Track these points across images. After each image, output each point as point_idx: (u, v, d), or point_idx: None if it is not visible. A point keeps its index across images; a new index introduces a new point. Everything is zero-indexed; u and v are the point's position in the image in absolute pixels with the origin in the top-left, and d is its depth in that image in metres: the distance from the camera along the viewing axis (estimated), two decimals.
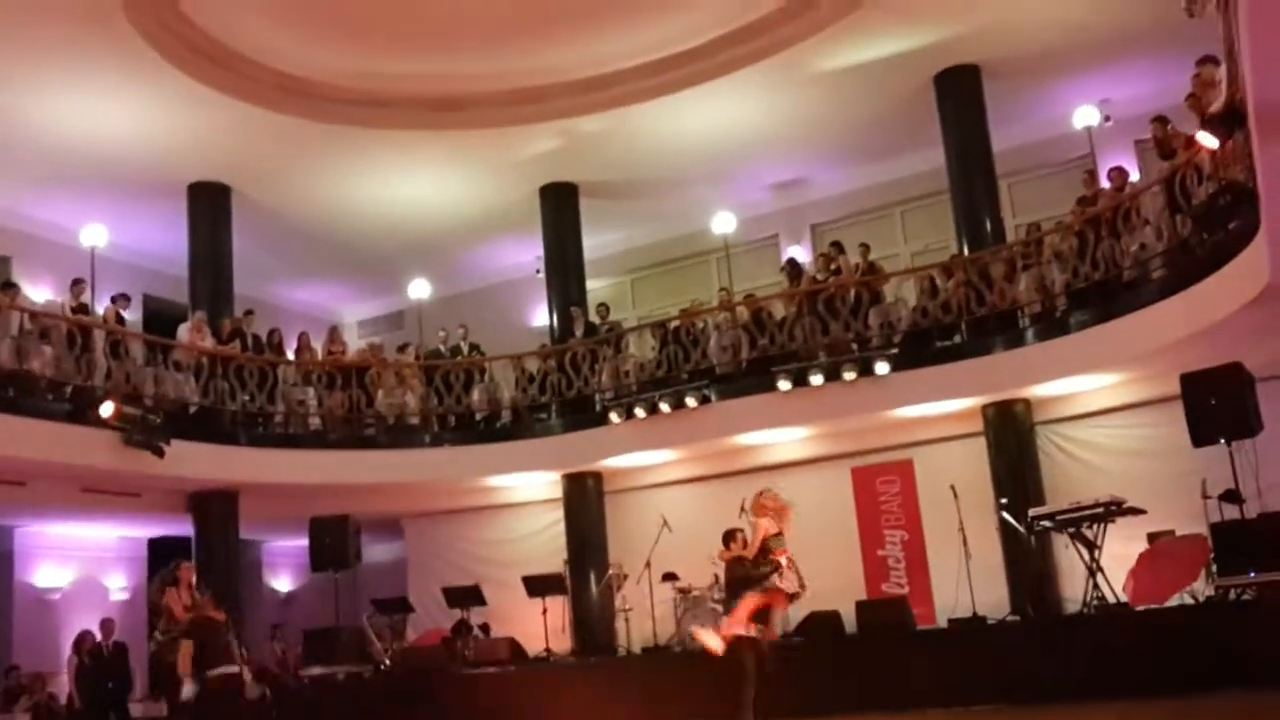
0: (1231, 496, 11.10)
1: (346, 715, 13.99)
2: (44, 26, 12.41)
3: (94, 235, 14.93)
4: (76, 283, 14.55)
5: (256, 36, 13.65)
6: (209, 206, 16.47)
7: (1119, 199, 13.07)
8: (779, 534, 9.05)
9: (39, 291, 15.63)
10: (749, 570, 8.97)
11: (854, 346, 14.53)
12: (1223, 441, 11.02)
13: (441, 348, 17.58)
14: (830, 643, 12.56)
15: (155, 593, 11.38)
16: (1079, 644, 11.13)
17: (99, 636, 14.25)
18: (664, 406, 15.01)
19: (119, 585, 17.62)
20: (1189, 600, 11.46)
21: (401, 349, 17.58)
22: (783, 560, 8.95)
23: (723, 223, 16.51)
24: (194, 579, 11.04)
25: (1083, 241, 13.25)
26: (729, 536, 9.44)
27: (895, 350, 14.25)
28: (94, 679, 13.90)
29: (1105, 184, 13.89)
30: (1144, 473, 12.96)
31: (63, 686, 14.14)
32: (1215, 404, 10.97)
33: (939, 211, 15.98)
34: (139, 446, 13.52)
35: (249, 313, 16.41)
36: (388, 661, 15.28)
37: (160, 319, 16.50)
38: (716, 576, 13.88)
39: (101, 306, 15.09)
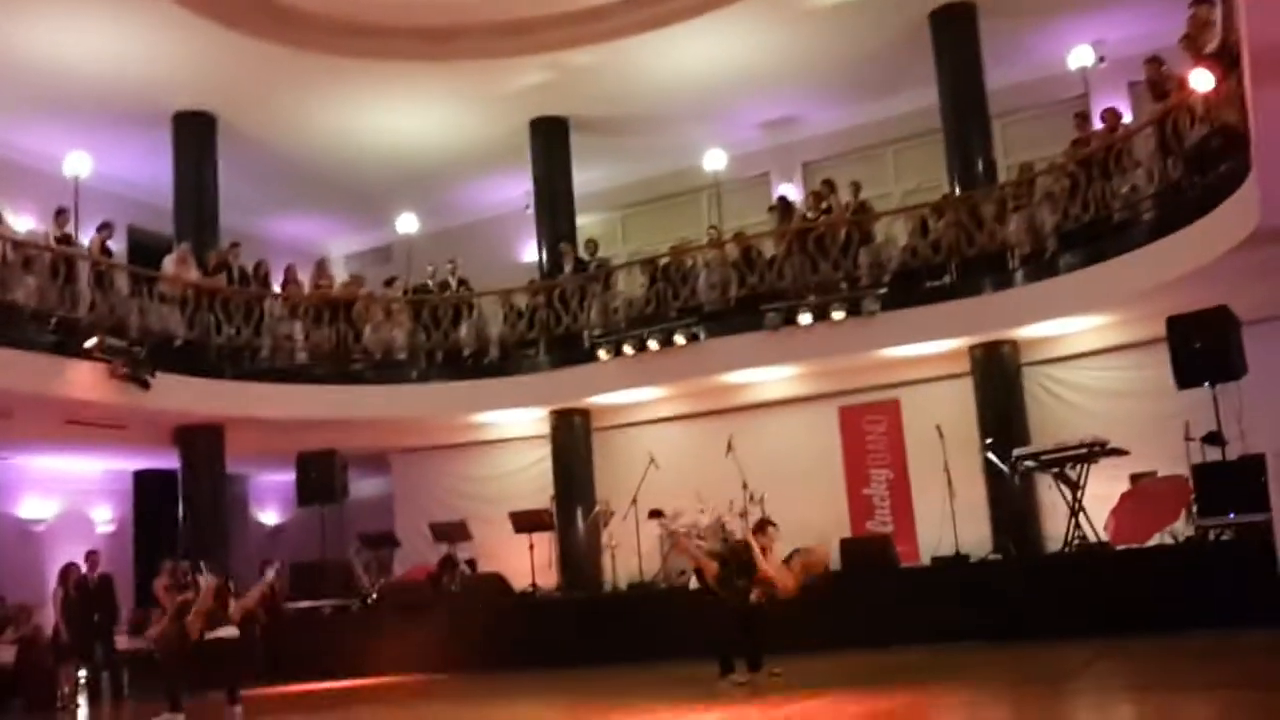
0: (1214, 439, 11.18)
1: (333, 647, 14.11)
2: None
3: (77, 164, 14.74)
4: (60, 212, 14.38)
5: None
6: (194, 136, 16.29)
7: (1111, 140, 13.00)
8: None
9: (21, 221, 15.43)
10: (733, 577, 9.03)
11: (843, 286, 14.51)
12: (1207, 384, 11.07)
13: (429, 283, 17.49)
14: (814, 579, 12.64)
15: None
16: (1060, 582, 11.26)
17: (84, 569, 14.27)
18: (652, 344, 15.00)
19: (105, 518, 17.66)
20: (1169, 540, 11.59)
21: (389, 283, 17.49)
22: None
23: (714, 159, 16.39)
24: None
25: (1074, 183, 13.19)
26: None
27: (884, 290, 14.23)
28: (80, 611, 13.93)
29: (1098, 125, 13.81)
30: (1128, 414, 13.03)
31: (48, 618, 14.18)
32: (1200, 347, 11.03)
33: (931, 150, 15.86)
34: (124, 379, 13.47)
35: (235, 245, 16.27)
36: (374, 595, 15.39)
37: (145, 251, 16.36)
38: (702, 514, 13.99)
39: (85, 237, 14.94)
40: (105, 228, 15.09)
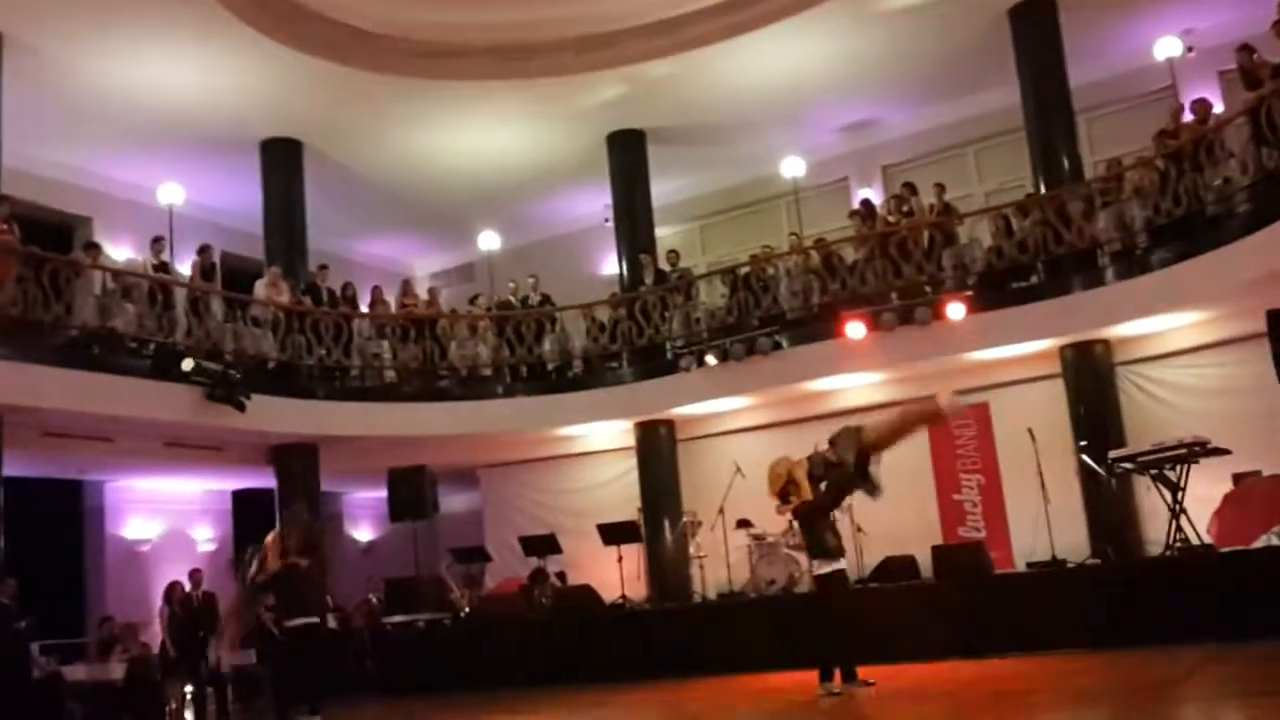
0: None
1: (428, 661, 14.29)
2: None
3: (171, 194, 15.18)
4: (156, 240, 14.82)
5: None
6: (281, 162, 16.68)
7: (1201, 131, 12.68)
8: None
9: (119, 250, 15.96)
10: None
11: (927, 289, 14.33)
12: None
13: (512, 299, 17.67)
14: (907, 588, 12.51)
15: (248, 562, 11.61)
16: (1162, 587, 10.97)
17: (188, 586, 14.63)
18: (735, 353, 14.96)
19: (206, 536, 18.10)
20: (1276, 541, 11.23)
21: (472, 301, 17.69)
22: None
23: (792, 166, 16.32)
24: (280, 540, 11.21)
25: (1164, 176, 12.88)
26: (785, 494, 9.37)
27: (970, 292, 14.03)
28: (185, 628, 14.30)
29: (1188, 116, 13.48)
30: (1228, 412, 12.66)
31: (154, 636, 14.57)
32: None
33: (1014, 149, 15.62)
34: (220, 401, 13.81)
35: (323, 267, 16.61)
36: (467, 609, 15.56)
37: (237, 275, 16.77)
38: (791, 524, 13.92)
39: (180, 263, 15.36)
40: (205, 251, 15.50)
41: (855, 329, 14.19)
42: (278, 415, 14.69)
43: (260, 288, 15.68)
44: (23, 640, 12.36)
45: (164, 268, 14.80)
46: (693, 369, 15.31)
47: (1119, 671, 8.83)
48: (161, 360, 13.66)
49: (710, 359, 15.14)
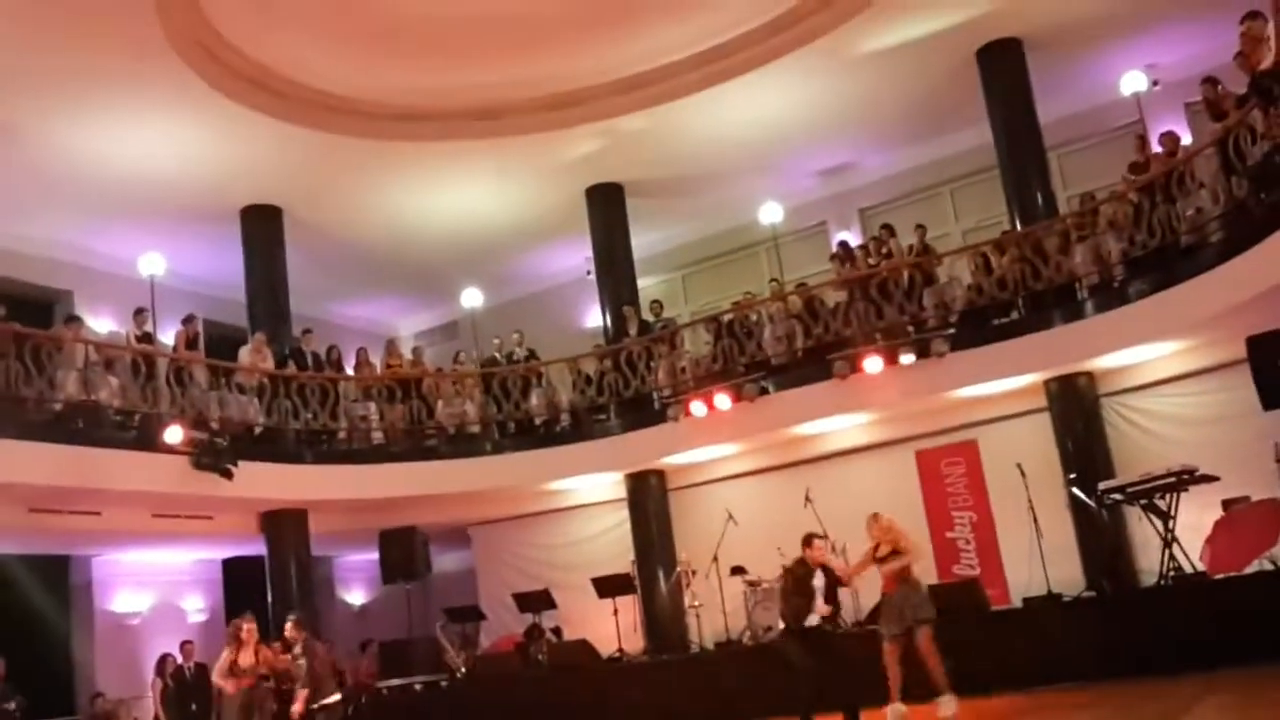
0: None
1: None
2: (90, 60, 12.64)
3: (151, 264, 15.18)
4: (139, 312, 14.80)
5: (297, 58, 13.84)
6: (262, 229, 16.71)
7: (1172, 163, 12.85)
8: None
9: (101, 323, 15.94)
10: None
11: (910, 329, 14.42)
12: None
13: (497, 355, 17.68)
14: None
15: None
16: (1159, 616, 10.97)
17: (180, 659, 14.49)
18: (722, 401, 14.99)
19: (196, 607, 17.93)
20: (1268, 566, 11.25)
21: (456, 359, 17.70)
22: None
23: (770, 213, 16.44)
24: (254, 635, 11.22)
25: (1138, 209, 13.04)
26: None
27: (952, 330, 14.11)
28: (179, 701, 14.15)
29: (1157, 149, 13.67)
30: (1214, 439, 12.71)
31: (147, 710, 14.40)
32: None
33: (989, 188, 15.82)
34: (208, 469, 13.74)
35: (307, 331, 16.61)
36: (463, 669, 15.42)
37: (221, 342, 16.75)
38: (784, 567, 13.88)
39: (162, 334, 15.34)
40: (189, 320, 15.49)
41: (839, 370, 14.20)
42: (266, 481, 14.60)
43: (245, 354, 15.66)
44: None
45: (147, 338, 14.78)
46: (680, 418, 15.31)
47: (1121, 704, 8.81)
48: (147, 431, 13.62)
49: (697, 407, 15.12)
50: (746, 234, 18.20)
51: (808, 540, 9.74)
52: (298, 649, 11.00)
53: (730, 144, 16.38)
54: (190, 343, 15.32)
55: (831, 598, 9.65)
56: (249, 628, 11.14)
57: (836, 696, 9.27)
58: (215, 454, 13.85)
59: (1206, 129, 12.71)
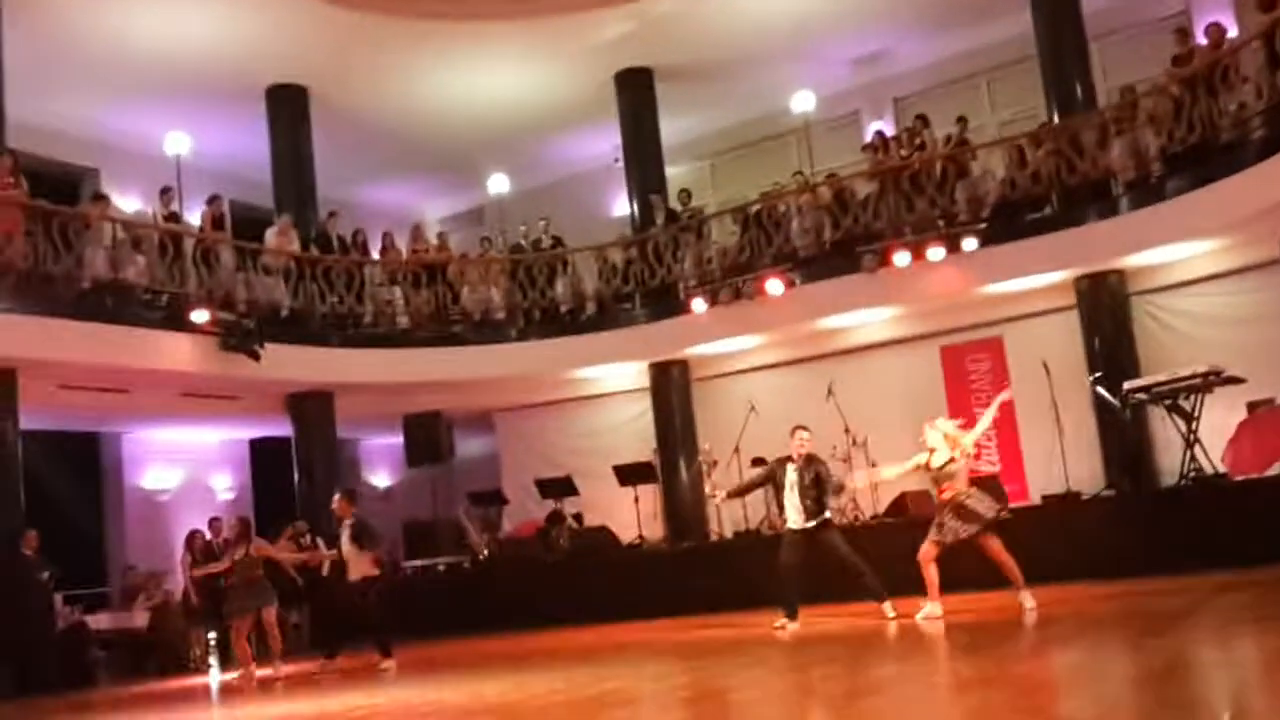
0: None
1: (448, 604, 14.45)
2: None
3: (177, 143, 15.10)
4: (165, 191, 14.78)
5: None
6: (288, 109, 16.58)
7: (1216, 56, 12.48)
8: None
9: (127, 201, 15.90)
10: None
11: (940, 223, 14.22)
12: None
13: (523, 242, 17.61)
14: (921, 522, 12.53)
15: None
16: (1177, 516, 10.99)
17: (208, 535, 14.78)
18: (748, 292, 14.91)
19: (224, 485, 18.25)
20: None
21: (483, 245, 17.63)
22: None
23: (802, 101, 16.12)
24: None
25: (1178, 103, 12.71)
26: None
27: (984, 225, 13.92)
28: (207, 576, 14.44)
29: (1201, 41, 13.26)
30: (1244, 340, 12.59)
31: (176, 584, 14.75)
32: None
33: (1027, 78, 15.42)
34: (235, 350, 13.85)
35: (333, 214, 16.58)
36: (485, 552, 15.69)
37: (246, 224, 16.75)
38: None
39: (189, 214, 15.33)
40: (215, 200, 15.47)
41: (868, 264, 14.07)
42: (292, 363, 14.73)
43: (271, 236, 15.66)
44: (47, 590, 12.54)
45: (174, 218, 14.77)
46: (705, 309, 15.25)
47: (1134, 600, 8.87)
48: (175, 311, 13.70)
49: (723, 298, 15.08)
50: (777, 123, 17.87)
51: (791, 432, 9.73)
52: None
53: (763, 29, 16.00)
54: (216, 223, 15.32)
55: (813, 496, 9.58)
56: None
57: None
58: (242, 335, 13.95)
59: (1254, 21, 12.30)
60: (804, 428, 10.07)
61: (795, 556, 9.72)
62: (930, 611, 8.99)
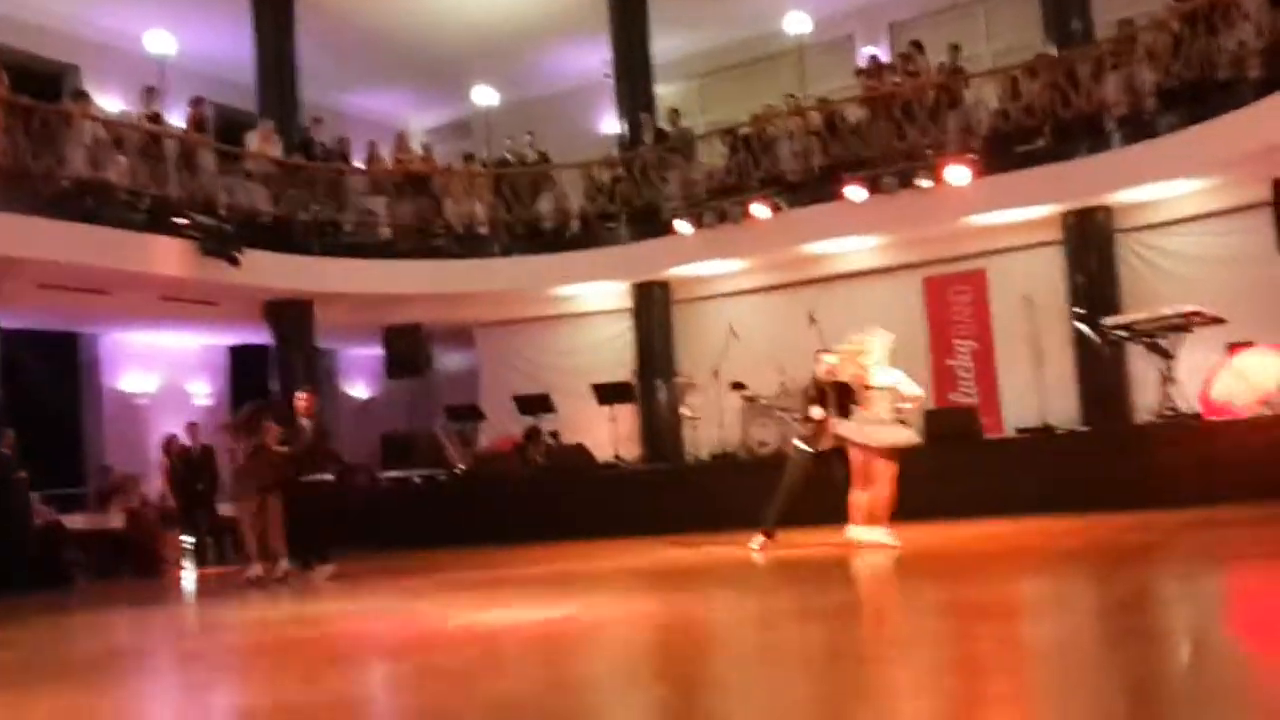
0: None
1: (424, 516, 14.53)
2: None
3: (160, 42, 14.79)
4: (149, 90, 14.52)
5: None
6: (272, 8, 16.24)
7: None
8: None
9: (107, 100, 15.62)
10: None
11: (929, 152, 14.13)
12: None
13: (509, 156, 17.42)
14: (898, 451, 12.61)
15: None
16: (1150, 454, 11.09)
17: (185, 440, 14.79)
18: (733, 215, 14.83)
19: (202, 391, 18.21)
20: (1265, 411, 11.30)
21: (467, 159, 17.44)
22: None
23: (796, 22, 15.88)
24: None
25: (1177, 39, 12.58)
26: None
27: (974, 155, 13.83)
28: (184, 480, 14.51)
29: None
30: (1226, 281, 12.61)
31: (153, 486, 14.79)
32: None
33: (1025, 8, 15.20)
34: (215, 255, 13.74)
35: (317, 120, 16.34)
36: (461, 466, 15.75)
37: (229, 127, 16.49)
38: (783, 386, 14.01)
39: (170, 115, 15.08)
40: (198, 103, 15.21)
41: (855, 192, 14.03)
42: (272, 270, 14.63)
43: (253, 140, 15.44)
44: (23, 489, 12.54)
45: (156, 119, 14.54)
46: (690, 230, 15.18)
47: (1104, 533, 8.97)
48: (156, 213, 13.54)
49: (708, 220, 15.00)
50: (770, 44, 17.62)
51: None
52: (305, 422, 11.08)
53: None
54: (199, 126, 15.09)
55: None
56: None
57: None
58: (222, 240, 13.82)
59: None
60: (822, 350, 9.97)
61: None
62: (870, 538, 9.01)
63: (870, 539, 8.93)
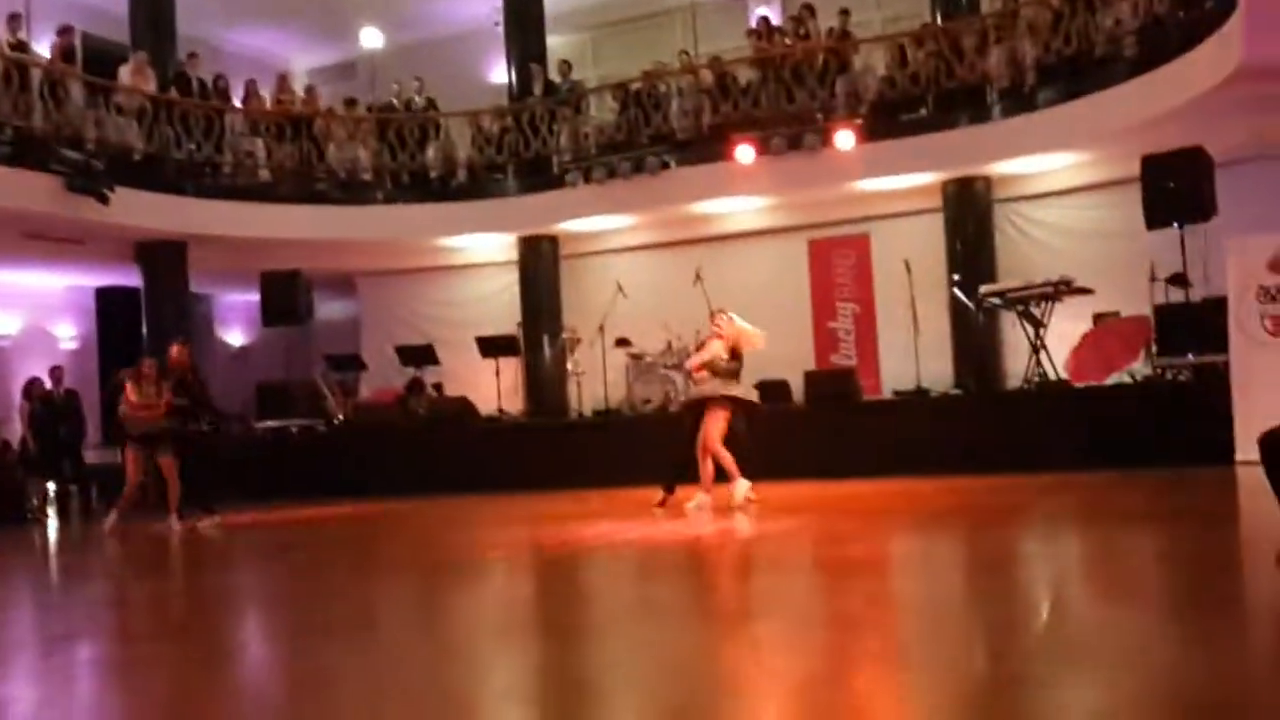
0: (1179, 280, 11.24)
1: (301, 466, 14.25)
2: None
3: None
4: (13, 17, 13.78)
5: None
6: None
7: None
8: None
9: None
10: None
11: (819, 116, 14.26)
12: (1176, 225, 11.07)
13: (395, 102, 17.04)
14: (778, 411, 12.80)
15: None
16: (1018, 418, 11.45)
17: (49, 384, 14.23)
18: (623, 171, 14.78)
19: (68, 334, 17.54)
20: (1127, 379, 11.76)
21: (349, 103, 17.00)
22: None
23: None
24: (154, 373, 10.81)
25: (1058, 15, 12.89)
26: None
27: (860, 121, 14.00)
28: (46, 425, 13.96)
29: None
30: (1096, 254, 13.06)
31: (14, 432, 14.22)
32: (1173, 186, 10.97)
33: None
34: (82, 192, 13.19)
35: (193, 55, 15.73)
36: (341, 416, 15.49)
37: (99, 59, 15.77)
38: (669, 344, 14.07)
39: (38, 44, 14.37)
40: (66, 32, 14.51)
41: (744, 152, 14.11)
42: (143, 209, 14.11)
43: (125, 74, 14.82)
44: None
45: (21, 47, 13.83)
46: (579, 185, 15.10)
47: (973, 495, 9.25)
48: (19, 146, 12.93)
49: (597, 175, 14.94)
50: None
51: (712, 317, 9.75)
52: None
53: None
54: (66, 56, 14.41)
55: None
56: (150, 363, 10.83)
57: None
58: (90, 176, 13.27)
59: None
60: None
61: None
62: (701, 501, 9.13)
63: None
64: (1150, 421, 10.50)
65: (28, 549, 10.42)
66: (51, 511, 13.90)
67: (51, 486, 14.11)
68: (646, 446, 12.01)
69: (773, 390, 13.06)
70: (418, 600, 5.64)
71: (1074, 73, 12.69)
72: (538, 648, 4.23)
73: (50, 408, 14.06)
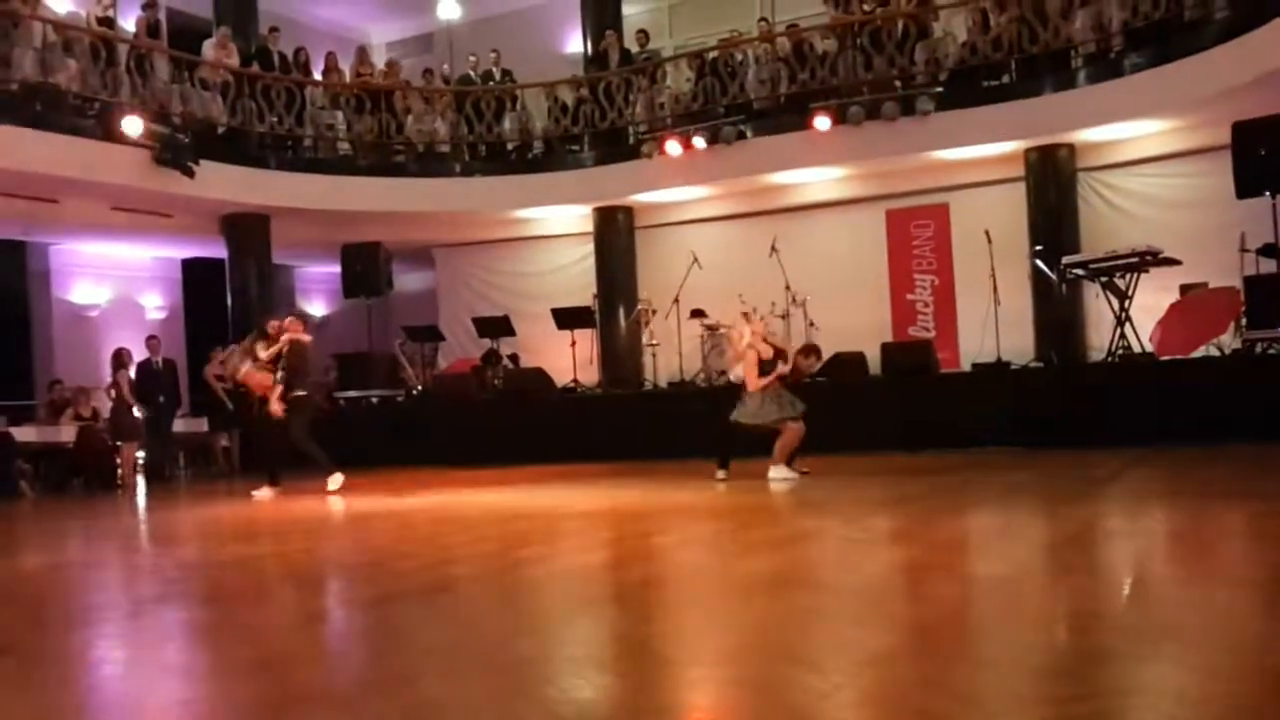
0: (1270, 250, 10.95)
1: (380, 436, 14.48)
2: None
3: None
4: None
5: None
6: None
7: None
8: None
9: (58, 2, 15.18)
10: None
11: (897, 83, 14.06)
12: (1268, 194, 10.75)
13: (472, 74, 17.13)
14: (855, 383, 12.73)
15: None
16: (1102, 391, 11.25)
17: (146, 353, 14.56)
18: (699, 141, 14.72)
19: (155, 304, 17.98)
20: (1214, 353, 11.48)
21: (427, 74, 17.13)
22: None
23: None
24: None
25: None
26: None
27: (940, 88, 13.78)
28: (145, 394, 14.26)
29: None
30: (1184, 223, 12.74)
31: (103, 401, 14.59)
32: (1265, 154, 10.66)
33: None
34: (168, 165, 13.47)
35: (274, 30, 15.96)
36: (419, 387, 15.69)
37: (183, 34, 16.06)
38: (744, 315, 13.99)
39: (124, 19, 14.67)
40: (150, 6, 14.80)
41: (822, 121, 13.97)
42: (227, 183, 14.39)
43: (209, 48, 15.08)
44: None
45: (108, 22, 14.14)
46: (654, 156, 15.07)
47: (1051, 469, 9.11)
48: (107, 120, 13.22)
49: (673, 146, 14.90)
50: None
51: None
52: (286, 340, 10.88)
53: None
54: (151, 30, 14.69)
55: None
56: (276, 324, 11.01)
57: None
58: (176, 150, 13.55)
59: None
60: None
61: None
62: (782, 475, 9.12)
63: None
64: (1238, 396, 10.26)
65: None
66: (140, 478, 14.28)
67: (140, 455, 14.48)
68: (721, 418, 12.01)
69: (849, 362, 13.01)
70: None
71: (1162, 37, 12.34)
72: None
73: (150, 376, 14.40)
